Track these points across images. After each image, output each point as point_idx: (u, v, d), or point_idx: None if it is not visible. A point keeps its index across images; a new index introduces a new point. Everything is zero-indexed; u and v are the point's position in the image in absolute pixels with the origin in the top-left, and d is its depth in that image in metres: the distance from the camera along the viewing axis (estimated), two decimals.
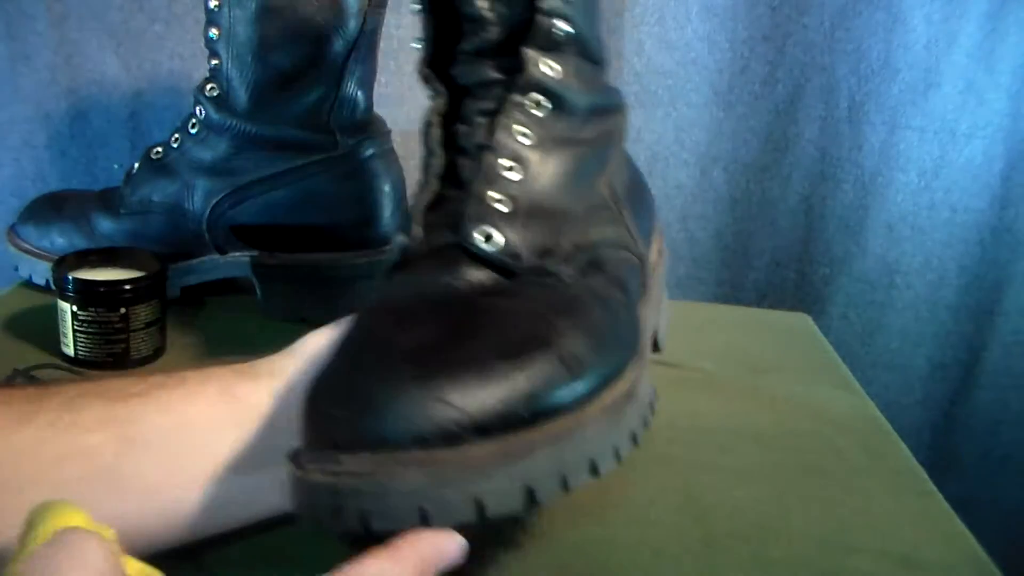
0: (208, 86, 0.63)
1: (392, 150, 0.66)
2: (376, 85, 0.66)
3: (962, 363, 0.91)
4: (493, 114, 0.40)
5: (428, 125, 0.41)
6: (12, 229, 0.68)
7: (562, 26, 0.40)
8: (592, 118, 0.43)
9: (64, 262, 0.56)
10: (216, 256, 0.65)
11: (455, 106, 0.41)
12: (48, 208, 0.68)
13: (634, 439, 0.35)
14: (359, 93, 0.63)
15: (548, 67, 0.40)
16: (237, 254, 0.65)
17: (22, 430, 0.32)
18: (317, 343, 0.38)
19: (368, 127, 0.64)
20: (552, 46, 0.40)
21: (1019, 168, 0.85)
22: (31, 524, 0.27)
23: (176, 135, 0.65)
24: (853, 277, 0.89)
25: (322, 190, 0.63)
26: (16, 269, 0.68)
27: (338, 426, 0.29)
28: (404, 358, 0.30)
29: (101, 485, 0.32)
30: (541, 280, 0.37)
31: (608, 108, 0.45)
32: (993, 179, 0.86)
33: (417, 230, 0.38)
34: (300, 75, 0.61)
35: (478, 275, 0.36)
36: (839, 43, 0.83)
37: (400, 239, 0.39)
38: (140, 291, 0.55)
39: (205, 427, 0.35)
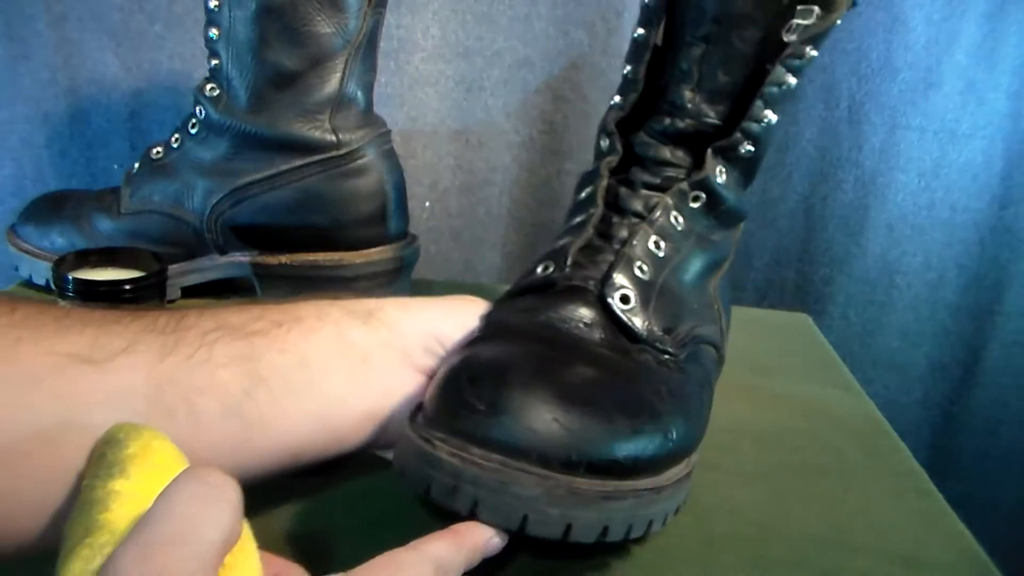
0: (208, 86, 0.63)
1: (392, 150, 0.66)
2: (376, 85, 0.66)
3: (962, 363, 0.91)
4: (656, 189, 0.45)
5: (597, 176, 0.46)
6: (12, 229, 0.68)
7: (750, 147, 0.45)
8: (725, 224, 0.48)
9: (64, 262, 0.56)
10: (216, 256, 0.66)
11: (622, 167, 0.46)
12: (48, 208, 0.68)
13: (677, 509, 0.39)
14: (359, 93, 0.63)
15: (721, 173, 0.45)
16: (237, 254, 0.65)
17: (165, 360, 0.33)
18: (434, 315, 0.42)
19: (368, 127, 0.64)
20: (733, 158, 0.45)
21: (1019, 168, 0.85)
22: (113, 441, 0.28)
23: (176, 135, 0.65)
24: (853, 277, 0.89)
25: (322, 190, 0.63)
26: (16, 269, 0.68)
27: (477, 419, 0.32)
28: (546, 381, 0.34)
29: (232, 419, 0.34)
30: (658, 356, 0.41)
31: (739, 217, 0.49)
32: (993, 179, 0.86)
33: (564, 263, 0.42)
34: (300, 75, 0.61)
35: (606, 327, 0.40)
36: (839, 43, 0.83)
37: (548, 265, 0.43)
38: (140, 291, 0.55)
39: (319, 367, 0.37)
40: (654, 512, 0.36)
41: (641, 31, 0.46)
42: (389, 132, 0.66)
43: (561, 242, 0.44)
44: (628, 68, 0.47)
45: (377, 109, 0.67)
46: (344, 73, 0.62)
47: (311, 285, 0.64)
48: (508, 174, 0.88)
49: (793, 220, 0.88)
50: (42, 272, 0.66)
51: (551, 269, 0.42)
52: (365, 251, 0.64)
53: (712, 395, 0.46)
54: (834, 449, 0.53)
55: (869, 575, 0.41)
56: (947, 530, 0.45)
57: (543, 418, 0.32)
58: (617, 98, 0.47)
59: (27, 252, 0.66)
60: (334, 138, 0.62)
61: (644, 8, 0.46)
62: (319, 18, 0.59)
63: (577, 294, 0.41)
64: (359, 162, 0.63)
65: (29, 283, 0.67)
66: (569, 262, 0.42)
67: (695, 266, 0.45)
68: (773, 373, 0.64)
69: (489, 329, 0.40)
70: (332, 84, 0.62)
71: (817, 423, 0.56)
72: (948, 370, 0.91)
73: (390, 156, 0.65)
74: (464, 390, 0.33)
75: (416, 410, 0.36)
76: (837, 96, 0.85)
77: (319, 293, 0.42)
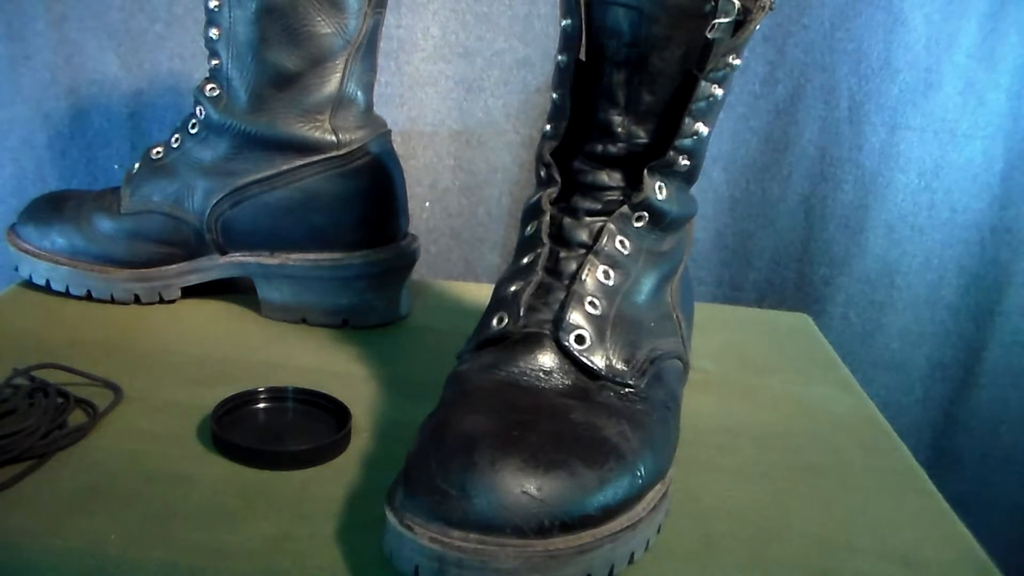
0: (208, 86, 0.63)
1: (392, 150, 0.66)
2: (376, 85, 0.66)
3: (962, 363, 0.91)
4: (598, 214, 0.45)
5: (539, 209, 0.45)
6: (12, 229, 0.68)
7: (686, 162, 0.45)
8: (674, 230, 0.47)
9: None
10: (216, 256, 0.66)
11: (563, 195, 0.46)
12: (48, 208, 0.68)
13: (658, 529, 0.40)
14: (359, 93, 0.63)
15: (660, 190, 0.45)
16: (237, 254, 0.65)
17: None
18: None
19: (368, 127, 0.64)
20: (670, 174, 0.45)
21: (1019, 168, 0.85)
22: None
23: (176, 135, 0.65)
24: (853, 277, 0.89)
25: (322, 190, 0.63)
26: (16, 269, 0.68)
27: (451, 504, 0.33)
28: (511, 453, 0.35)
29: None
30: (619, 391, 0.42)
31: (687, 218, 0.49)
32: (993, 179, 0.86)
33: (517, 313, 0.43)
34: (300, 75, 0.61)
35: (566, 370, 0.42)
36: (839, 43, 0.83)
37: (502, 317, 0.43)
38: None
39: None
40: (635, 544, 0.38)
41: (562, 56, 0.45)
42: (389, 132, 0.66)
43: (512, 287, 0.44)
44: (555, 94, 0.46)
45: (377, 109, 0.67)
46: (344, 73, 0.62)
47: (311, 285, 0.64)
48: (508, 174, 0.88)
49: (793, 220, 0.88)
50: (42, 272, 0.66)
51: (505, 322, 0.43)
52: (365, 251, 0.64)
53: (679, 406, 0.46)
54: (834, 449, 0.53)
55: (869, 575, 0.41)
56: (947, 530, 0.45)
57: (512, 493, 0.33)
58: (548, 126, 0.47)
59: (27, 252, 0.66)
60: (334, 138, 0.62)
61: (563, 32, 0.45)
62: (319, 18, 0.60)
63: (534, 341, 0.42)
64: (359, 162, 0.63)
65: (29, 283, 0.67)
66: (522, 312, 0.43)
67: (647, 285, 0.46)
68: (773, 373, 0.64)
69: (454, 392, 0.41)
70: (332, 84, 0.62)
71: (817, 423, 0.56)
72: (948, 370, 0.91)
73: (390, 156, 0.65)
74: (436, 476, 0.34)
75: (394, 486, 0.36)
76: (837, 96, 0.84)
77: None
